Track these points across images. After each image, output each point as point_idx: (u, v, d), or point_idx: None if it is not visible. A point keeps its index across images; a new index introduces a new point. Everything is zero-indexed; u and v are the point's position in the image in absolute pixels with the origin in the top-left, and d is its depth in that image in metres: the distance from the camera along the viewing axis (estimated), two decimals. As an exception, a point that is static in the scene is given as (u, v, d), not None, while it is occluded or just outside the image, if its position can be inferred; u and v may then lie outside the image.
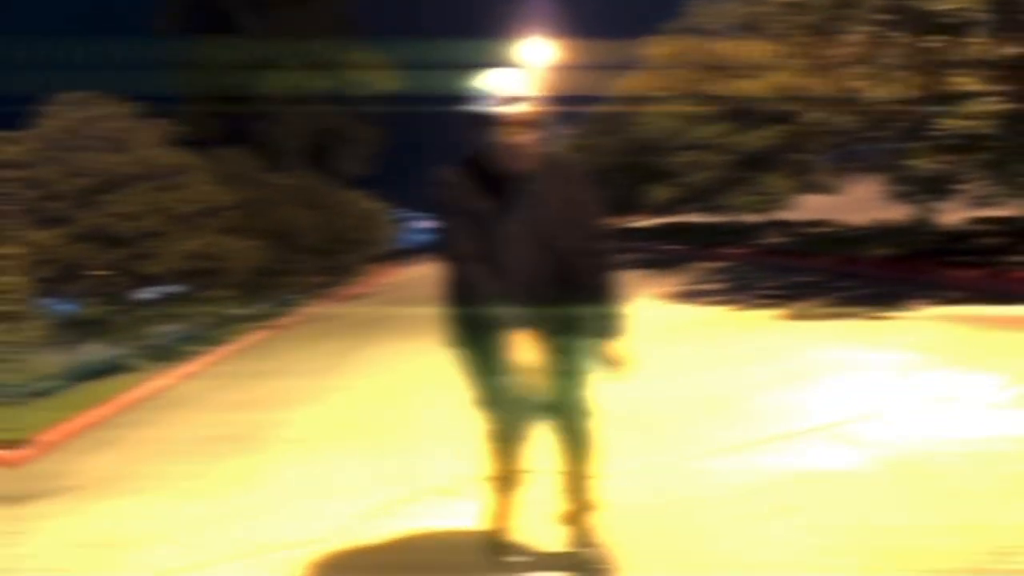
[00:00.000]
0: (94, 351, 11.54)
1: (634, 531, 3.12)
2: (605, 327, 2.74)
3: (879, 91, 5.93)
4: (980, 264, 6.85)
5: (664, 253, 16.94)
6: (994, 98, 5.35)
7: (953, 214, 8.63)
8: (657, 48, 14.11)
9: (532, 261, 2.65)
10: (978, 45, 5.35)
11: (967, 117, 5.27)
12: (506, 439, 2.87)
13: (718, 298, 9.38)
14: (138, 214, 11.03)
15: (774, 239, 13.29)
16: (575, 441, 2.91)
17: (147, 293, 12.24)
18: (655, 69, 14.81)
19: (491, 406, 2.83)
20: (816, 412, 4.32)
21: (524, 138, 2.63)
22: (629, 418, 4.48)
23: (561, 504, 3.05)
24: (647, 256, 17.27)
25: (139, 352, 12.06)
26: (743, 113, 12.46)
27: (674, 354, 6.36)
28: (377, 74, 48.50)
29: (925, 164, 5.76)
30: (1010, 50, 5.31)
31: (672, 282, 11.49)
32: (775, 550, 2.83)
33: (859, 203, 12.97)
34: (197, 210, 11.83)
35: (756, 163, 12.30)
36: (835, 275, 9.01)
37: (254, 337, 15.12)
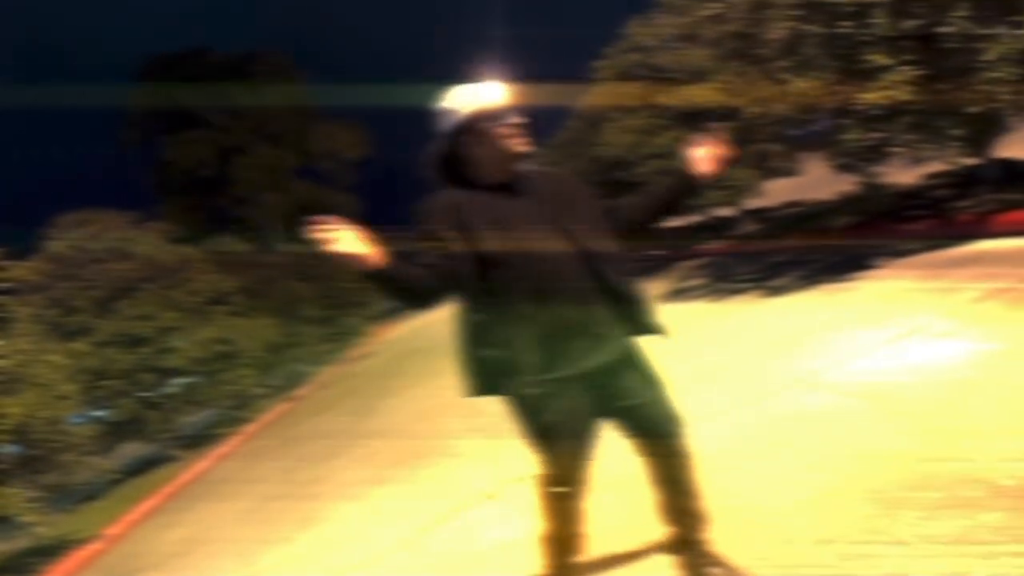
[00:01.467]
0: (132, 449, 12.00)
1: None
2: (651, 323, 2.53)
3: (804, 79, 6.55)
4: (931, 216, 7.43)
5: (645, 261, 17.52)
6: (905, 68, 5.97)
7: (901, 175, 9.22)
8: (604, 69, 14.85)
9: (565, 262, 2.41)
10: (883, 24, 5.97)
11: (884, 88, 5.88)
12: (566, 484, 2.55)
13: (700, 292, 9.93)
14: (153, 314, 11.57)
15: (750, 227, 13.89)
16: (674, 458, 2.62)
17: (171, 387, 12.74)
18: (605, 89, 15.55)
19: (543, 441, 2.49)
20: (785, 371, 4.85)
21: (516, 142, 2.51)
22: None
23: (671, 530, 2.79)
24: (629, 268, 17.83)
25: (174, 443, 12.51)
26: (693, 117, 13.13)
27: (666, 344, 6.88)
28: (342, 142, 49.54)
29: (856, 137, 6.37)
30: (909, 23, 5.95)
31: (658, 285, 12.03)
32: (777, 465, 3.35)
33: (821, 180, 13.58)
34: (205, 300, 12.37)
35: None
36: (806, 251, 9.59)
37: (276, 411, 15.58)
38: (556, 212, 2.47)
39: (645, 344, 2.58)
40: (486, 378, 2.47)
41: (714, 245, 13.97)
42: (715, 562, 2.70)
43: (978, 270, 5.54)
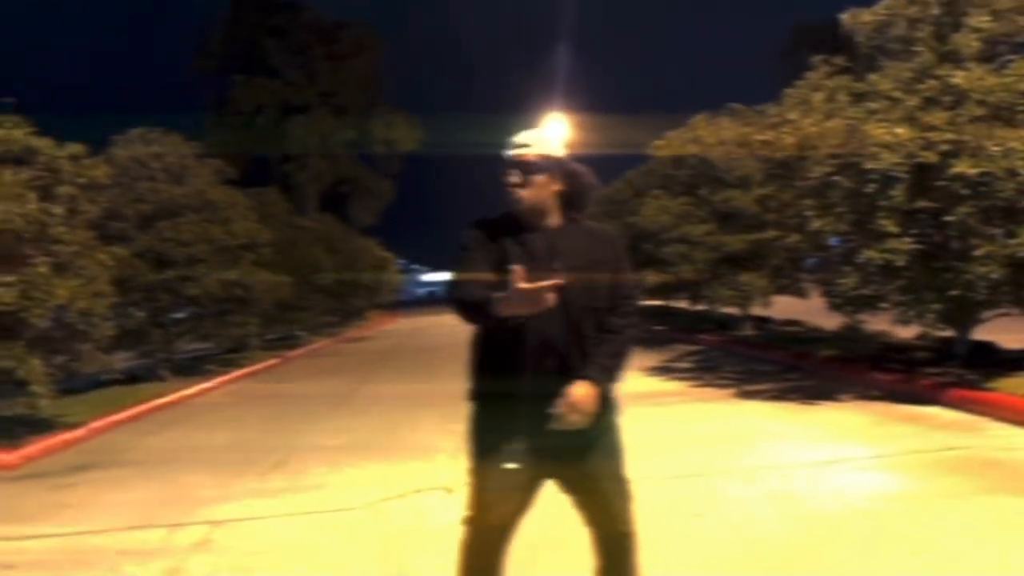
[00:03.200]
0: (126, 359, 12.74)
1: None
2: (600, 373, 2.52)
3: (821, 221, 7.38)
4: (901, 371, 8.20)
5: (650, 332, 18.31)
6: (907, 239, 6.78)
7: (895, 328, 9.99)
8: (662, 148, 15.73)
9: (553, 321, 2.44)
10: (900, 197, 6.79)
11: (885, 251, 6.68)
12: (489, 546, 2.63)
13: (686, 375, 10.71)
14: (188, 241, 12.39)
15: (748, 331, 14.65)
16: (614, 543, 2.71)
17: (181, 313, 13.53)
18: (657, 167, 16.47)
19: (484, 493, 2.58)
20: (725, 459, 5.62)
21: (518, 182, 2.59)
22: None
23: None
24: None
25: (166, 364, 13.28)
26: (728, 217, 13.98)
27: (636, 412, 7.67)
28: (399, 132, 50.70)
29: (852, 285, 7.17)
30: (922, 203, 6.77)
31: (652, 358, 12.81)
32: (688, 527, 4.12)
33: (825, 309, 14.37)
34: (239, 244, 13.20)
35: (736, 262, 13.75)
36: (787, 367, 10.36)
37: (266, 363, 16.37)
38: (570, 263, 2.46)
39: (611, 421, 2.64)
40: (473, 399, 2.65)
41: (712, 337, 14.73)
42: None
43: (919, 428, 6.29)
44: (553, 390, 2.44)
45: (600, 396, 2.49)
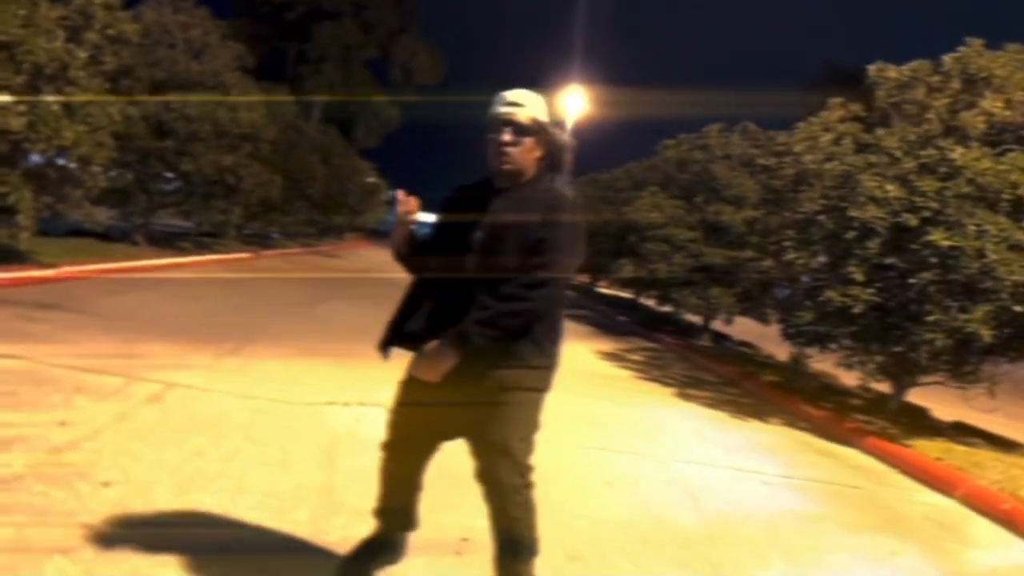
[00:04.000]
0: (106, 215, 12.86)
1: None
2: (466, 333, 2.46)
3: (797, 254, 7.75)
4: (831, 410, 8.65)
5: (614, 320, 18.75)
6: (869, 290, 7.17)
7: (831, 368, 10.46)
8: (668, 148, 16.07)
9: (454, 280, 2.56)
10: (873, 251, 7.17)
11: (846, 296, 7.07)
12: (399, 478, 2.81)
13: (635, 367, 11.12)
14: (193, 117, 12.47)
15: (704, 340, 15.12)
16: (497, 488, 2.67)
17: (170, 185, 13.65)
18: (661, 164, 16.77)
19: (394, 413, 2.77)
20: (648, 445, 6.02)
21: (510, 141, 2.60)
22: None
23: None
24: (599, 318, 19.11)
25: (141, 230, 13.42)
26: (715, 229, 14.35)
27: (579, 389, 8.05)
28: (421, 63, 50.31)
29: (808, 318, 7.57)
30: (891, 260, 7.16)
31: (608, 344, 13.23)
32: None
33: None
34: (241, 132, 13.30)
35: (710, 274, 14.16)
36: (730, 382, 10.80)
37: (238, 255, 16.55)
38: (492, 224, 2.55)
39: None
40: (389, 334, 2.75)
41: (671, 339, 15.18)
42: None
43: (833, 462, 6.74)
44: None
45: (450, 358, 2.46)
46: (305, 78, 45.86)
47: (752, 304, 13.65)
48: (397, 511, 2.85)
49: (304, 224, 22.99)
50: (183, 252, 13.97)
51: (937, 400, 9.18)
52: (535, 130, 2.63)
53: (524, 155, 2.63)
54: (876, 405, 9.03)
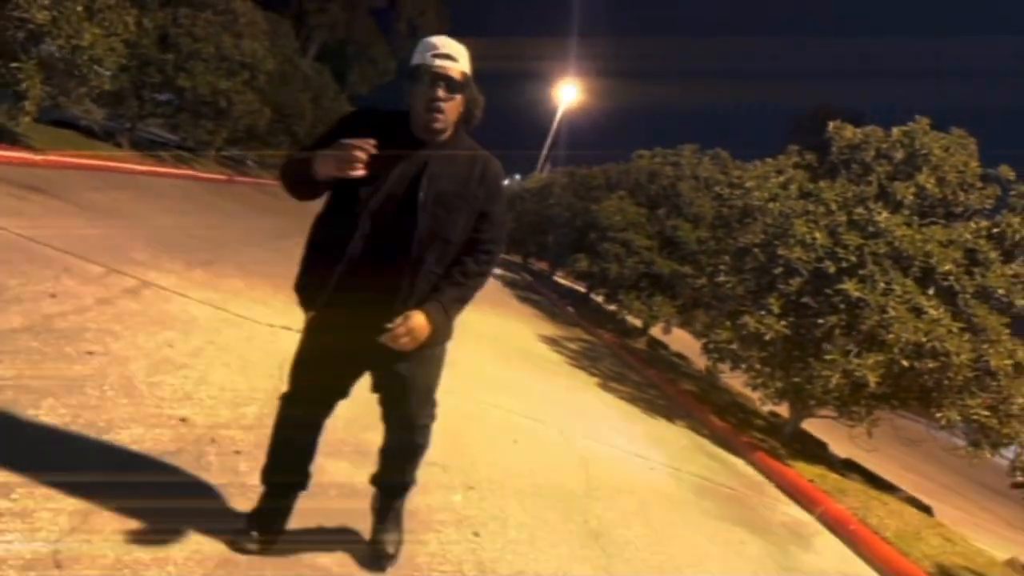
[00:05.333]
0: (98, 114, 13.17)
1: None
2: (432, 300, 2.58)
3: (727, 278, 8.56)
4: (733, 424, 9.51)
5: (562, 309, 19.54)
6: (783, 322, 8.00)
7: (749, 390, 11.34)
8: (642, 161, 16.85)
9: (397, 235, 2.52)
10: (793, 287, 7.99)
11: (760, 323, 7.89)
12: (306, 410, 2.82)
13: (569, 354, 11.90)
14: (199, 36, 12.83)
15: (639, 343, 15.98)
16: (397, 453, 2.97)
17: (162, 95, 13.97)
18: (634, 171, 17.52)
19: (301, 377, 2.77)
20: (560, 418, 6.77)
21: (443, 98, 2.50)
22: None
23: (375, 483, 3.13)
24: (549, 305, 19.89)
25: (126, 134, 13.76)
26: (670, 243, 15.17)
27: (512, 363, 8.78)
28: (426, 20, 50.30)
29: (724, 337, 8.40)
30: (806, 300, 8.00)
31: (550, 329, 14.00)
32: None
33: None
34: (241, 59, 13.68)
35: (657, 283, 15.00)
36: (652, 385, 11.64)
37: (213, 175, 16.89)
38: (435, 190, 2.53)
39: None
40: (302, 275, 2.72)
41: (610, 336, 16.01)
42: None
43: (718, 465, 7.56)
44: (381, 303, 2.53)
45: (432, 333, 2.57)
46: (309, 14, 45.54)
47: (689, 318, 14.51)
48: (294, 467, 2.92)
49: (283, 157, 23.26)
50: (163, 162, 14.32)
51: (841, 438, 10.05)
52: (464, 86, 2.55)
53: (452, 112, 2.55)
54: (776, 428, 9.94)
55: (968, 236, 8.22)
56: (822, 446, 10.14)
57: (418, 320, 2.53)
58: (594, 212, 16.94)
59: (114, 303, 5.11)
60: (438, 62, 2.50)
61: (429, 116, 2.53)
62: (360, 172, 2.34)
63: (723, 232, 9.97)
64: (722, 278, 8.65)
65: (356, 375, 2.80)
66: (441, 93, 2.50)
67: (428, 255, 2.56)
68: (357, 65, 50.34)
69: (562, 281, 30.03)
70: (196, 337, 5.09)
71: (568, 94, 38.89)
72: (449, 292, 2.60)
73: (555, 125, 41.49)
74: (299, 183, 2.60)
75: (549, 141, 42.45)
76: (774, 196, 8.55)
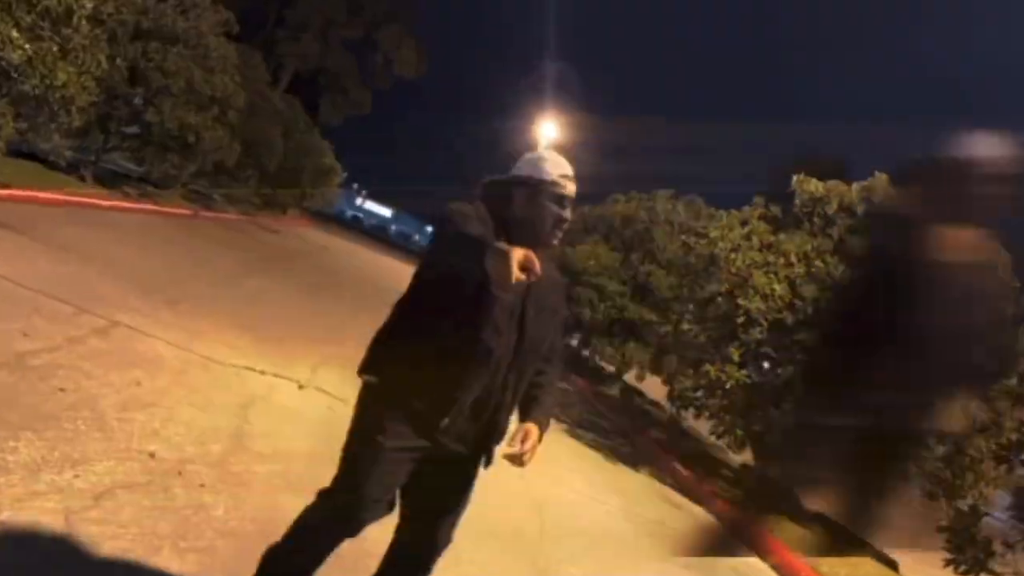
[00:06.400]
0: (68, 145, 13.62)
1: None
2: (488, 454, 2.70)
3: (690, 326, 9.14)
4: (699, 472, 10.02)
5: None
6: (743, 371, 8.57)
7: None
8: (618, 206, 17.59)
9: (508, 351, 2.52)
10: (754, 336, 8.57)
11: (720, 371, 8.47)
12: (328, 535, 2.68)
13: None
14: (169, 70, 13.38)
15: (613, 392, 16.50)
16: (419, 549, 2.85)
17: (129, 129, 14.47)
18: (608, 216, 18.23)
19: (353, 479, 2.59)
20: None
21: (570, 219, 2.63)
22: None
23: None
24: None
25: (90, 167, 14.21)
26: (643, 289, 15.80)
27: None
28: (403, 54, 51.34)
29: (686, 384, 8.95)
30: (766, 350, 8.59)
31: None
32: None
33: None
34: (212, 96, 14.24)
35: (630, 329, 15.59)
36: (621, 433, 12.16)
37: (176, 203, 17.32)
38: (538, 305, 2.57)
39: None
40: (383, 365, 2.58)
41: (582, 382, 16.53)
42: None
43: (676, 513, 8.05)
44: (477, 416, 2.55)
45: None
46: (280, 43, 46.39)
47: (660, 365, 15.08)
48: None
49: (251, 192, 23.77)
50: (127, 197, 14.76)
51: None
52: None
53: None
54: (743, 479, 10.46)
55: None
56: (792, 497, 10.66)
57: (536, 435, 2.63)
58: (568, 255, 17.55)
59: (84, 342, 5.54)
60: (571, 186, 2.66)
61: (550, 237, 2.65)
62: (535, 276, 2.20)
63: (689, 280, 10.57)
64: (686, 326, 9.24)
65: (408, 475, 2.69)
66: (569, 215, 2.66)
67: (527, 367, 2.63)
68: (329, 95, 51.21)
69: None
70: (163, 377, 5.53)
71: (548, 131, 39.82)
72: (546, 401, 2.73)
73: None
74: (469, 264, 2.27)
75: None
76: (736, 247, 9.18)
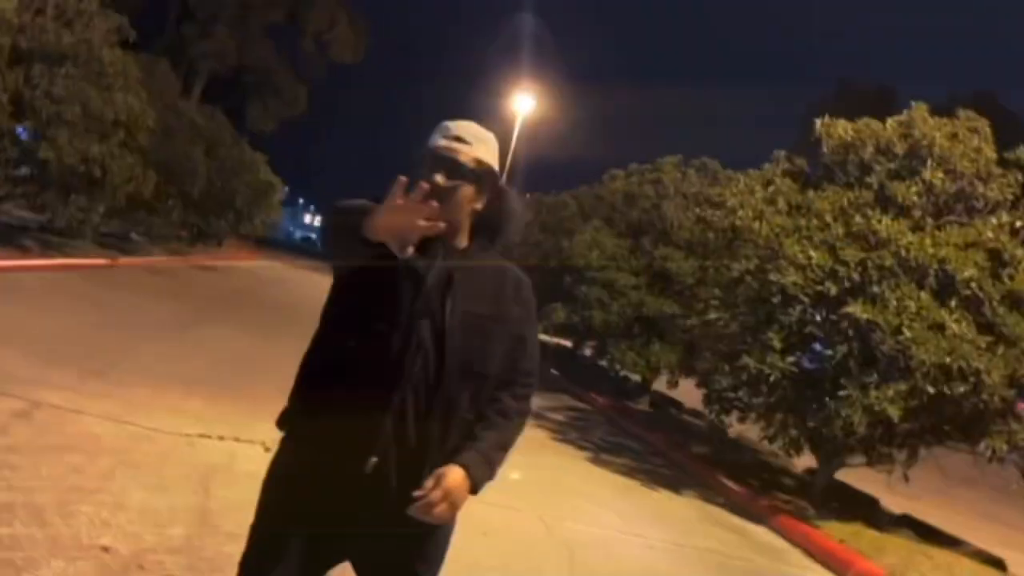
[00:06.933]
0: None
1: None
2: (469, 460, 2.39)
3: (718, 314, 9.36)
4: (752, 486, 10.22)
5: (545, 374, 20.28)
6: (789, 358, 8.78)
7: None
8: (615, 183, 17.82)
9: (424, 372, 2.37)
10: (794, 316, 8.79)
11: (762, 363, 8.66)
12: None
13: (553, 428, 12.60)
14: (60, 98, 13.58)
15: (643, 406, 16.71)
16: None
17: (25, 170, 14.65)
18: (607, 195, 18.47)
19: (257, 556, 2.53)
20: (531, 504, 7.44)
21: (442, 184, 2.38)
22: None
23: None
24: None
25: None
26: (661, 276, 16.02)
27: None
28: (339, 35, 51.54)
29: (724, 385, 9.16)
30: (810, 330, 8.80)
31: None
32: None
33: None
34: (115, 119, 14.43)
35: (653, 328, 15.79)
36: (656, 452, 12.36)
37: (92, 259, 17.51)
38: (468, 307, 2.43)
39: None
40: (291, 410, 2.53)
41: (604, 399, 16.73)
42: None
43: (732, 537, 8.25)
44: (400, 458, 2.36)
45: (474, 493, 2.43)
46: (189, 42, 46.55)
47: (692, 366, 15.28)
48: None
49: (176, 226, 23.98)
50: (27, 252, 14.95)
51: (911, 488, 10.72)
52: (477, 176, 2.50)
53: (457, 207, 2.47)
54: (807, 487, 10.67)
55: (989, 234, 9.07)
56: (868, 502, 10.85)
57: (455, 478, 2.34)
58: (565, 249, 17.80)
59: (6, 431, 5.73)
60: (443, 142, 2.49)
61: (454, 207, 2.44)
62: (424, 229, 2.17)
63: (712, 261, 10.79)
64: (713, 315, 9.44)
65: (329, 566, 2.57)
66: (440, 179, 2.41)
67: (460, 395, 2.45)
68: (257, 98, 51.46)
69: (546, 339, 30.79)
70: (104, 458, 5.72)
71: (523, 106, 40.10)
72: (489, 438, 2.50)
73: (512, 144, 42.64)
74: (348, 242, 2.30)
75: (508, 164, 43.53)
76: (759, 214, 9.39)
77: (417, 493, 2.29)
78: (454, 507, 2.37)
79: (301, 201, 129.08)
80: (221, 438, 6.92)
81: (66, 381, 7.45)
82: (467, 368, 2.44)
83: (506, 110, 40.55)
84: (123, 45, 15.54)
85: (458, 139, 2.49)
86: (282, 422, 2.53)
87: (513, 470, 9.22)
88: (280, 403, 2.55)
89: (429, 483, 2.31)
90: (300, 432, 2.50)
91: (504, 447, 2.56)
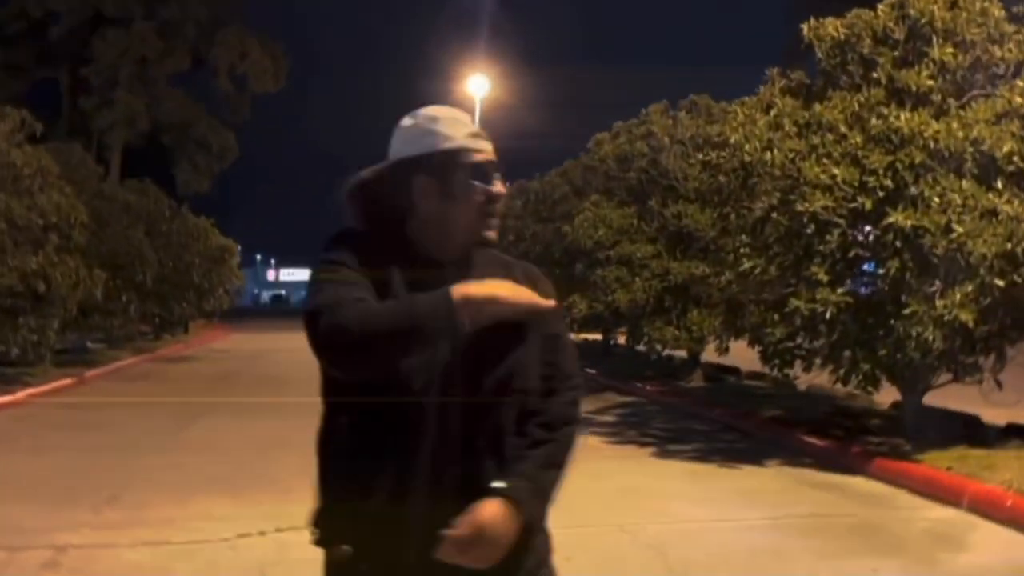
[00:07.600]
0: None
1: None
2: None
3: (752, 262, 9.69)
4: (838, 437, 10.55)
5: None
6: (840, 289, 9.09)
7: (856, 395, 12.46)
8: (603, 147, 18.12)
9: (454, 407, 2.20)
10: (833, 242, 9.11)
11: (812, 302, 8.97)
12: None
13: (606, 430, 12.95)
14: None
15: (696, 383, 17.04)
16: None
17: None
18: (598, 163, 18.80)
19: None
20: (611, 513, 7.78)
21: (489, 218, 2.30)
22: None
23: None
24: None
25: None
26: (680, 237, 16.33)
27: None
28: (255, 66, 51.72)
29: (778, 336, 9.47)
30: (855, 252, 9.12)
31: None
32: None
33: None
34: (44, 224, 14.78)
35: (685, 294, 16.06)
36: (724, 427, 12.71)
37: (54, 384, 17.84)
38: (482, 335, 2.12)
39: None
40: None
41: (652, 387, 17.05)
42: None
43: (830, 496, 8.59)
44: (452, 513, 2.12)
45: (524, 525, 2.20)
46: (91, 117, 46.81)
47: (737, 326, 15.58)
48: None
49: (136, 323, 24.34)
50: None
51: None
52: (494, 172, 2.37)
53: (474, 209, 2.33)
54: (897, 422, 11.00)
55: (1018, 99, 9.40)
56: (966, 421, 11.13)
57: (489, 511, 2.13)
58: (566, 233, 18.11)
59: (41, 583, 6.08)
60: (482, 143, 2.34)
61: (485, 223, 2.33)
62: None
63: (730, 206, 11.11)
64: (746, 264, 9.75)
65: None
66: (502, 188, 2.34)
67: (506, 422, 2.32)
68: (183, 156, 51.76)
69: (571, 336, 31.07)
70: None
71: (478, 89, 40.54)
72: (533, 457, 2.31)
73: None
74: (367, 361, 2.10)
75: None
76: (768, 143, 9.72)
77: (444, 532, 2.09)
78: (496, 545, 2.12)
79: (259, 258, 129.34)
80: (262, 533, 7.25)
81: (81, 518, 7.79)
82: (504, 387, 2.28)
83: (460, 94, 40.94)
84: (31, 140, 15.88)
85: (484, 137, 2.37)
86: (319, 526, 2.31)
87: (571, 484, 9.48)
88: (306, 478, 2.47)
89: (457, 523, 2.09)
90: (344, 536, 2.24)
91: (555, 463, 2.38)
